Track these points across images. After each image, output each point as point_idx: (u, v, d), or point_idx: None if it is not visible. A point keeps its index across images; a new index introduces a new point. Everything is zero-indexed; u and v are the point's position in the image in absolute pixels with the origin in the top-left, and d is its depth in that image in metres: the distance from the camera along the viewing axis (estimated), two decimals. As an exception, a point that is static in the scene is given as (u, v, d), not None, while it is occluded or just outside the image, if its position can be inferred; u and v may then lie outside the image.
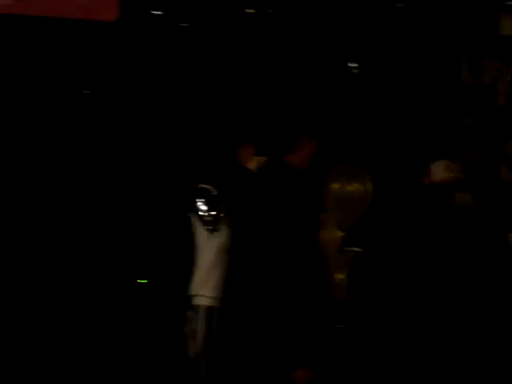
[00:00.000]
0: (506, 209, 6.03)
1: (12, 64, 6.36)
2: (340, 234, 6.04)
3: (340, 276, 5.83)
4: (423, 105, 6.19)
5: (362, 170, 6.15)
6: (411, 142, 6.20)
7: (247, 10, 6.28)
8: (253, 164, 3.83)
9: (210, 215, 3.86)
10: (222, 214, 3.86)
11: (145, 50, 6.52)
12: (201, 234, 3.97)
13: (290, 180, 3.39)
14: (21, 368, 5.21)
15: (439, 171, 5.34)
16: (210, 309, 3.88)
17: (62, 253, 6.26)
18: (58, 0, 5.21)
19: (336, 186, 6.06)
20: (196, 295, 3.95)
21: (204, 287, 3.94)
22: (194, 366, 4.00)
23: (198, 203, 3.89)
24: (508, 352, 4.35)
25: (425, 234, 5.52)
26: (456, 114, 6.21)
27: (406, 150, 6.21)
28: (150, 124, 6.56)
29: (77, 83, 6.54)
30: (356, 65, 6.65)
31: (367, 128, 6.54)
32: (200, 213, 3.88)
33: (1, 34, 5.99)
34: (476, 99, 6.22)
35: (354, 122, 6.55)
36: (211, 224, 3.88)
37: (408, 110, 6.27)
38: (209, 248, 3.93)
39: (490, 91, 6.22)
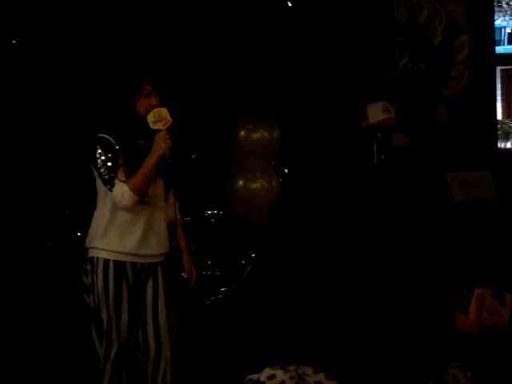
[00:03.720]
0: (444, 149, 6.03)
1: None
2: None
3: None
4: (356, 46, 6.07)
5: (267, 115, 5.97)
6: (346, 84, 6.09)
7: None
8: (150, 117, 3.63)
9: (107, 167, 3.63)
10: (120, 169, 3.63)
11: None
12: (100, 187, 3.74)
13: None
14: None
15: (376, 113, 5.27)
16: (106, 261, 3.69)
17: None
18: None
19: (242, 133, 5.87)
20: (94, 248, 3.74)
21: (100, 241, 3.73)
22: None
23: (97, 153, 3.65)
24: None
25: (363, 178, 5.49)
26: (391, 54, 6.13)
27: (341, 92, 6.11)
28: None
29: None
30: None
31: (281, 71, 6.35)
32: (98, 164, 3.65)
33: None
34: (411, 38, 6.15)
35: (264, 64, 6.35)
36: (107, 178, 3.65)
37: (341, 51, 6.15)
38: (107, 203, 3.72)
39: (425, 30, 6.17)
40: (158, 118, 3.58)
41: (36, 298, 5.42)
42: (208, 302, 5.50)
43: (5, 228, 5.71)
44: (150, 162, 3.57)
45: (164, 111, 3.60)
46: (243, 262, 5.84)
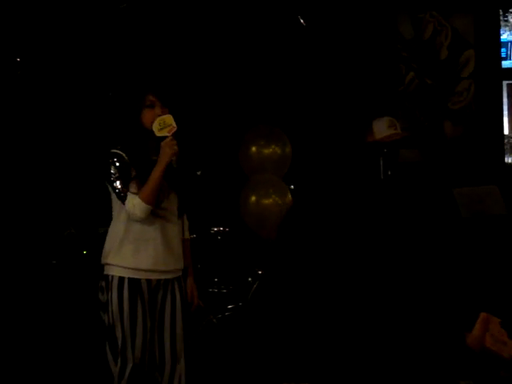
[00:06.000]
0: (451, 164, 6.01)
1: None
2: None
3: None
4: (362, 62, 6.07)
5: (279, 131, 5.96)
6: (351, 99, 6.08)
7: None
8: (155, 125, 3.62)
9: (119, 181, 3.63)
10: (132, 182, 3.63)
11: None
12: (115, 201, 3.73)
13: None
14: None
15: (382, 128, 5.26)
16: (121, 279, 3.66)
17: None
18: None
19: (254, 148, 5.86)
20: (108, 264, 3.71)
21: (115, 257, 3.71)
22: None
23: (111, 168, 3.65)
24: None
25: (369, 194, 5.47)
26: (397, 70, 6.12)
27: (347, 108, 6.10)
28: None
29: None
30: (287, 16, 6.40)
31: (293, 87, 6.34)
32: (112, 178, 3.65)
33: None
34: (417, 54, 6.14)
35: (277, 81, 6.34)
36: (120, 192, 3.64)
37: (347, 67, 6.15)
38: (121, 218, 3.71)
39: (431, 45, 6.16)
40: (163, 125, 3.57)
41: (42, 318, 5.40)
42: (215, 320, 5.47)
43: (11, 246, 5.71)
44: (158, 169, 3.56)
45: (169, 118, 3.59)
46: (250, 279, 5.82)
